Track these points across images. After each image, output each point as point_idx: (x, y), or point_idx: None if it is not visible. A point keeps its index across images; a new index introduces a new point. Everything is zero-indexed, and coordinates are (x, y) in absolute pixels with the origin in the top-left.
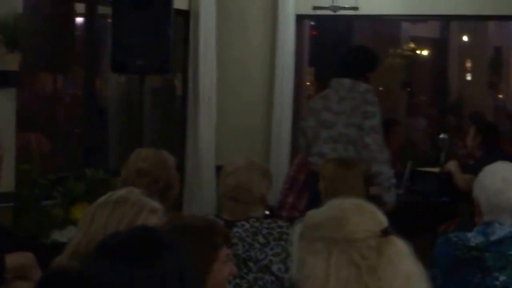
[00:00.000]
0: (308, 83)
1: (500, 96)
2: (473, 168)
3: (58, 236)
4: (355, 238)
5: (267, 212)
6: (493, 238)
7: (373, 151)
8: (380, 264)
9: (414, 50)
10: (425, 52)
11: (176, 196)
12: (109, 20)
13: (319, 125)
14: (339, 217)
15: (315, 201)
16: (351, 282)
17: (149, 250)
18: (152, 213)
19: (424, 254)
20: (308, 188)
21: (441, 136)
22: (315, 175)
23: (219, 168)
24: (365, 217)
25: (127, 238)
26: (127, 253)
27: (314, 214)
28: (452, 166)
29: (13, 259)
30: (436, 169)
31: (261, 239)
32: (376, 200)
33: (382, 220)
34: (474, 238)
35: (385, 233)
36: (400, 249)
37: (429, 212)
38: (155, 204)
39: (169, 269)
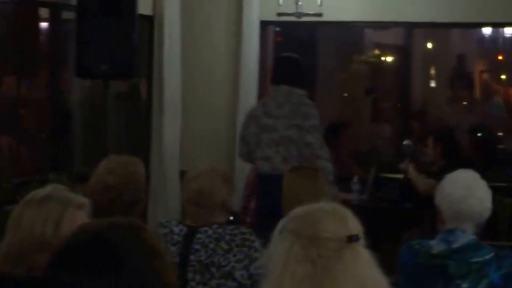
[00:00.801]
0: None
1: (464, 103)
2: (436, 174)
3: None
4: (319, 237)
5: (231, 218)
6: (455, 245)
7: (316, 149)
8: (337, 267)
9: (378, 56)
10: (389, 59)
11: (142, 210)
12: (74, 25)
13: (260, 130)
14: (313, 215)
15: (264, 203)
16: (306, 277)
17: (112, 261)
18: (78, 209)
19: (388, 261)
20: (256, 191)
21: (405, 142)
22: (262, 177)
23: (183, 173)
24: (335, 220)
25: (88, 249)
26: (91, 265)
27: (297, 210)
28: (409, 168)
29: None
30: (400, 176)
31: (224, 245)
32: None
33: (352, 227)
34: (436, 245)
35: (349, 239)
36: (361, 257)
37: (393, 219)
38: (81, 199)
39: (132, 278)
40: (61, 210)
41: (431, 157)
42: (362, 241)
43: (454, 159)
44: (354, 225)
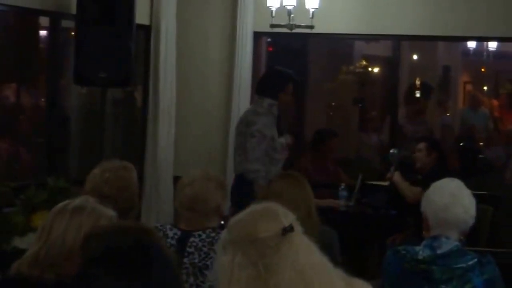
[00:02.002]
0: None
1: (448, 113)
2: (422, 182)
3: (19, 242)
4: (255, 239)
5: (222, 222)
6: (440, 251)
7: (247, 152)
8: (275, 261)
9: (366, 67)
10: (377, 70)
11: (136, 214)
12: (73, 34)
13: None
14: (244, 220)
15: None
16: (251, 281)
17: (146, 264)
18: (109, 221)
19: (373, 265)
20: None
21: (392, 151)
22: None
23: (177, 179)
24: (267, 219)
25: (126, 252)
26: (128, 266)
27: (232, 220)
28: (395, 176)
29: None
30: (385, 183)
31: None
32: None
33: (284, 220)
34: (422, 251)
35: (284, 231)
36: (297, 246)
37: (378, 224)
38: (110, 211)
39: (162, 280)
40: (93, 221)
41: (423, 163)
42: (297, 228)
43: (441, 168)
44: (286, 217)
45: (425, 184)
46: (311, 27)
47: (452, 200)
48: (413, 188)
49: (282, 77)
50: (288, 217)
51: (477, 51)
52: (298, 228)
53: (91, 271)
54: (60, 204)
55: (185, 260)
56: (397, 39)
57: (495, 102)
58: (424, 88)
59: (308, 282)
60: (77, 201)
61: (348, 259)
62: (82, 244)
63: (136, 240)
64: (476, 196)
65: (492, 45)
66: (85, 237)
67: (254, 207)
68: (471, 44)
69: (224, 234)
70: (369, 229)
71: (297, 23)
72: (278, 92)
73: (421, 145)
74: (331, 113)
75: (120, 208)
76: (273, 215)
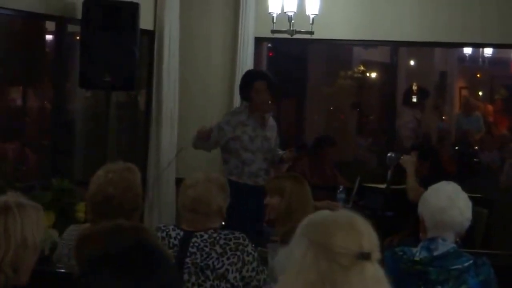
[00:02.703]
0: None
1: (444, 117)
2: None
3: None
4: (331, 250)
5: (223, 223)
6: (436, 253)
7: None
8: (343, 281)
9: (364, 72)
10: (375, 75)
11: (140, 214)
12: (78, 38)
13: None
14: (326, 224)
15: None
16: (316, 285)
17: (148, 264)
18: (42, 211)
19: None
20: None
21: (389, 154)
22: None
23: (179, 181)
24: (350, 235)
25: (128, 253)
26: (131, 266)
27: (317, 214)
28: (407, 164)
29: None
30: (382, 186)
31: (219, 249)
32: None
33: (365, 244)
34: (418, 253)
35: (359, 257)
36: (367, 275)
37: (376, 226)
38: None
39: (164, 280)
40: (37, 214)
41: (416, 171)
42: (375, 256)
43: (434, 176)
44: (368, 241)
45: (424, 186)
46: (311, 33)
47: (448, 203)
48: (419, 188)
49: (246, 77)
50: (371, 241)
51: (473, 57)
52: (375, 255)
53: (93, 271)
54: None
55: (187, 260)
56: (395, 45)
57: (490, 107)
58: (420, 93)
59: None
60: (11, 198)
61: None
62: (77, 245)
63: (137, 240)
64: (471, 199)
65: (488, 51)
66: (81, 238)
67: (342, 214)
68: (467, 51)
69: (303, 223)
70: None
71: (298, 29)
72: (247, 93)
73: (413, 154)
74: (330, 117)
75: (126, 209)
76: (356, 233)
